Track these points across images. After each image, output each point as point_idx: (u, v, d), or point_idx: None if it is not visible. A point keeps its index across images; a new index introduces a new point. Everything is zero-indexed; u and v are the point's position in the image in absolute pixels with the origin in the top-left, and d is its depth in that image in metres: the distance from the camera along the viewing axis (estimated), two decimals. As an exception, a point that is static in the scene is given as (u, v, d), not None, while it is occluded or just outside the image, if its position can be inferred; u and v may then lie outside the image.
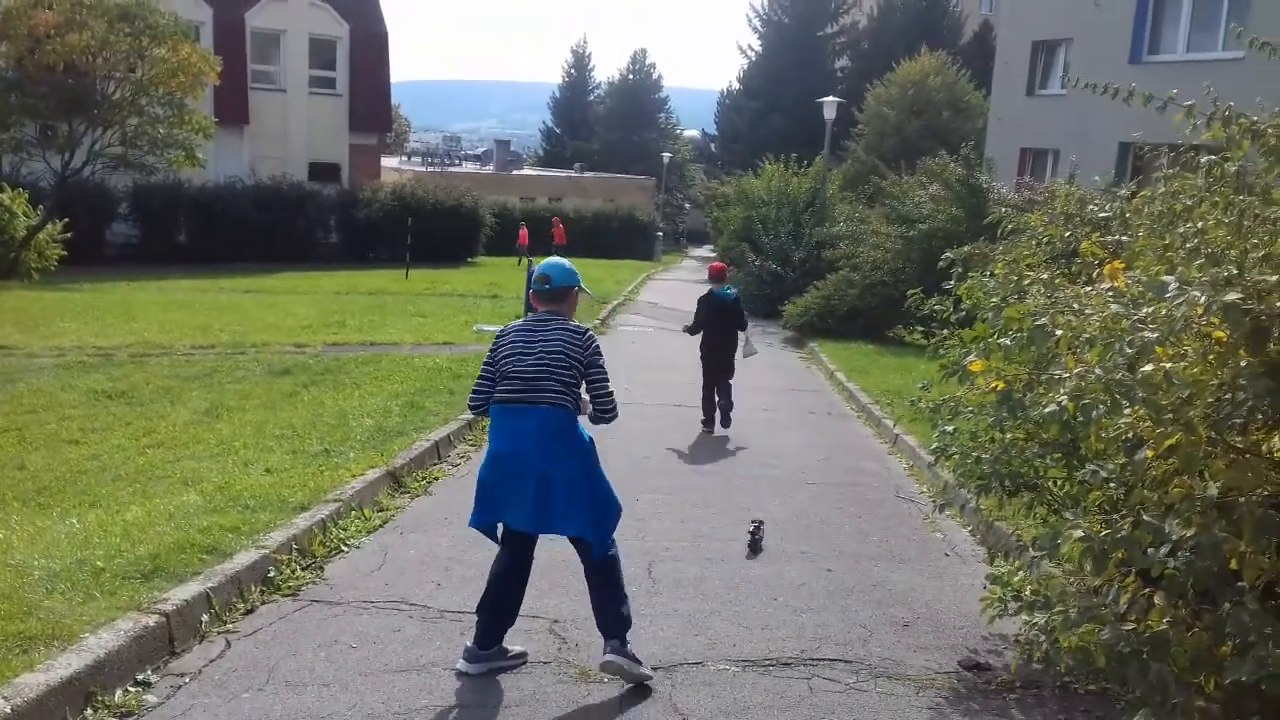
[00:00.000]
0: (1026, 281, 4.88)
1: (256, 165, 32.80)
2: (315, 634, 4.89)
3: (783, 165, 28.17)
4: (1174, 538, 3.36)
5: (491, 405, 4.66)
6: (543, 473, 4.49)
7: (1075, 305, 3.98)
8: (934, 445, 5.62)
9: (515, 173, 56.27)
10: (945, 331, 5.71)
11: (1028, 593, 4.74)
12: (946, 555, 6.79)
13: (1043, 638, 4.27)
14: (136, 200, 29.84)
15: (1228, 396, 3.39)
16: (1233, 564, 3.29)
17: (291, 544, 5.79)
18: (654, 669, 4.67)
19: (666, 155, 59.52)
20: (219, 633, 4.83)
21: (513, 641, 4.73)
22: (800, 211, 26.08)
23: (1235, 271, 3.44)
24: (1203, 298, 3.28)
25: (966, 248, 6.97)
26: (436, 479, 7.94)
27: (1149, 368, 3.33)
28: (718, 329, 10.88)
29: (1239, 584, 3.32)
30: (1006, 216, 6.86)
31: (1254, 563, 3.25)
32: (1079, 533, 3.54)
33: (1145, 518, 3.51)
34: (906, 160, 24.96)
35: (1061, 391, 3.65)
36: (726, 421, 10.68)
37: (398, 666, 4.59)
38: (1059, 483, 5.17)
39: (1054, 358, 4.08)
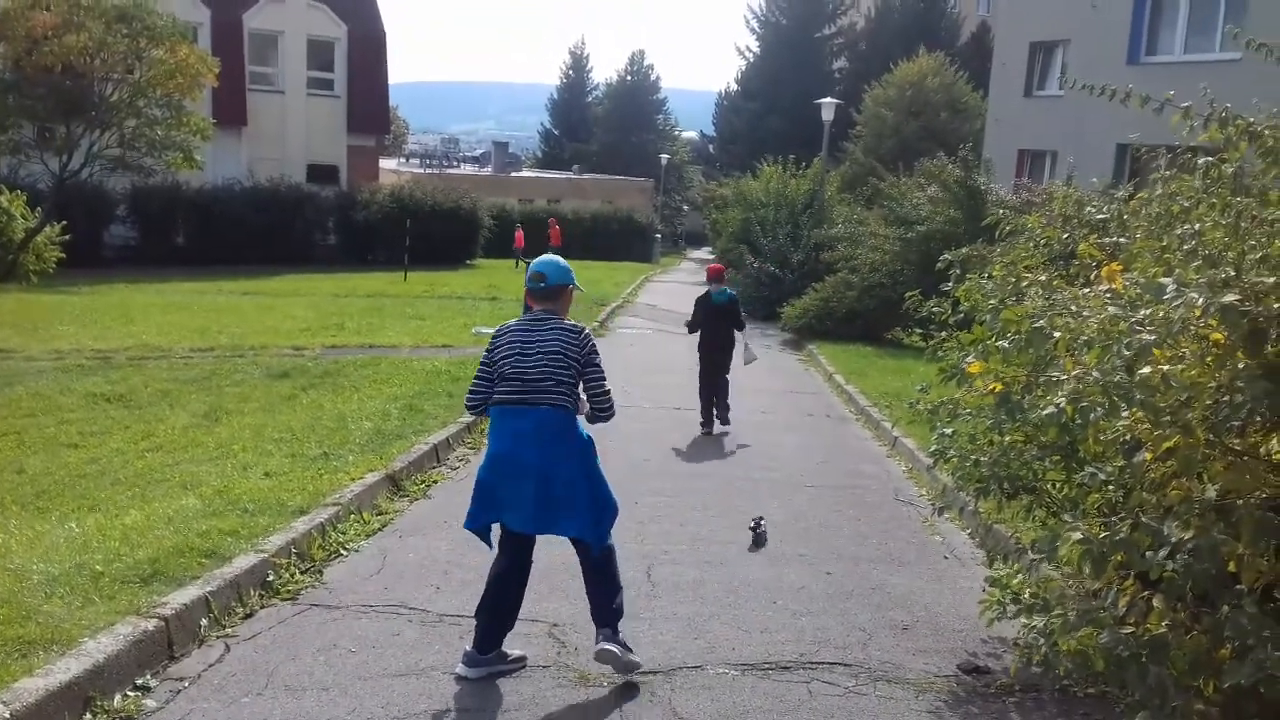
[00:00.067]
0: (1024, 283, 4.87)
1: (254, 167, 32.80)
2: (314, 638, 4.89)
3: (781, 167, 28.20)
4: (1173, 540, 3.36)
5: (491, 406, 4.66)
6: (543, 473, 4.51)
7: (1073, 307, 3.98)
8: (933, 448, 5.62)
9: (513, 175, 56.25)
10: (943, 333, 5.71)
11: (1027, 596, 4.74)
12: (945, 558, 6.79)
13: (1042, 641, 4.28)
14: (134, 202, 29.83)
15: (1226, 398, 3.39)
16: (1231, 566, 3.29)
17: (290, 548, 5.79)
18: (653, 672, 4.68)
19: (664, 157, 59.52)
20: (218, 637, 4.82)
21: (512, 645, 4.73)
22: (798, 213, 26.10)
23: (1233, 273, 3.44)
24: (1200, 299, 3.28)
25: (964, 249, 6.98)
26: (435, 482, 7.93)
27: (1147, 370, 3.33)
28: (715, 329, 10.96)
29: (1238, 587, 3.32)
30: (1004, 218, 6.86)
31: (1252, 565, 3.25)
32: (1077, 535, 3.54)
33: (1144, 520, 3.51)
34: (904, 162, 25.00)
35: (1060, 394, 3.65)
36: (724, 420, 10.76)
37: (397, 671, 4.59)
38: (1058, 485, 5.18)
39: (1052, 360, 4.08)
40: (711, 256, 37.45)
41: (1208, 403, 3.41)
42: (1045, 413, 3.73)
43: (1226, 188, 4.01)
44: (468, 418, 9.52)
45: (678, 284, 32.43)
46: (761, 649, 5.04)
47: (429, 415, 9.65)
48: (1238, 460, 3.47)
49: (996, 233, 6.98)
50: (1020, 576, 5.19)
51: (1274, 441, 3.55)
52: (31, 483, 7.45)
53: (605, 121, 67.72)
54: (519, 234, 36.28)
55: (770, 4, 55.40)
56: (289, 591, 5.43)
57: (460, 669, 4.55)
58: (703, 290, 11.37)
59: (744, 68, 57.49)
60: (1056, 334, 3.88)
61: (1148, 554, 3.38)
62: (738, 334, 11.09)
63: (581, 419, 4.76)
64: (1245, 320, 3.25)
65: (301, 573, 5.67)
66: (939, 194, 18.74)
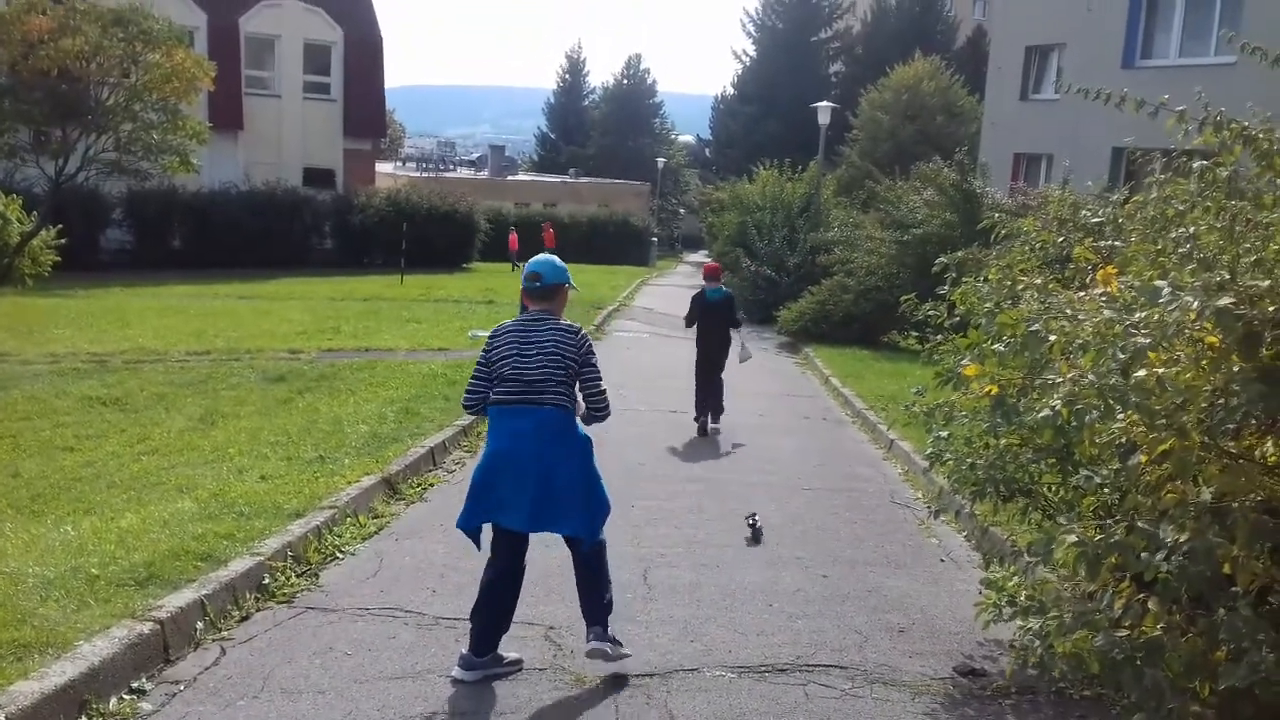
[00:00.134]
0: (1020, 287, 4.89)
1: (251, 171, 32.79)
2: (310, 641, 4.88)
3: (777, 170, 28.20)
4: (1168, 543, 3.37)
5: (490, 407, 4.68)
6: (543, 472, 4.54)
7: (1068, 310, 3.99)
8: (928, 450, 5.63)
9: (510, 178, 56.29)
10: (939, 337, 5.72)
11: (1022, 598, 4.75)
12: (941, 561, 6.80)
13: (1037, 643, 4.28)
14: (131, 206, 29.80)
15: (1221, 401, 3.40)
16: (1226, 569, 3.30)
17: (286, 551, 5.78)
18: (649, 675, 4.68)
19: (661, 160, 59.58)
20: (214, 640, 4.82)
21: (508, 648, 4.73)
22: (795, 217, 26.11)
23: (1228, 276, 3.45)
24: (1195, 303, 3.29)
25: (960, 253, 7.00)
26: (432, 485, 7.93)
27: (1142, 373, 3.34)
28: (711, 327, 11.13)
29: (1233, 589, 3.33)
30: (1000, 222, 6.88)
31: (1247, 567, 3.26)
32: (1073, 538, 3.55)
33: (1139, 523, 3.52)
34: (900, 165, 25.03)
35: (1055, 396, 3.66)
36: (716, 417, 10.97)
37: (393, 674, 4.59)
38: (1053, 488, 5.19)
39: (1047, 363, 4.09)
40: (708, 259, 37.45)
41: (1203, 406, 3.42)
42: (1041, 415, 3.74)
43: (1221, 191, 4.02)
44: (464, 421, 9.53)
45: (674, 287, 32.42)
46: (758, 652, 5.04)
47: (425, 418, 9.64)
48: (1233, 463, 3.48)
49: (992, 236, 6.99)
50: (1016, 579, 5.19)
51: (1269, 444, 3.56)
52: (27, 486, 7.44)
53: (602, 125, 67.79)
54: (513, 237, 36.32)
55: (766, 8, 55.50)
56: (285, 595, 5.42)
57: (456, 672, 4.55)
58: (698, 290, 11.50)
59: (740, 72, 57.60)
60: (1052, 337, 3.89)
61: (1143, 556, 3.39)
62: (734, 333, 11.21)
63: (577, 419, 4.77)
64: (1240, 323, 3.26)
65: (297, 576, 5.67)
66: (935, 197, 18.77)
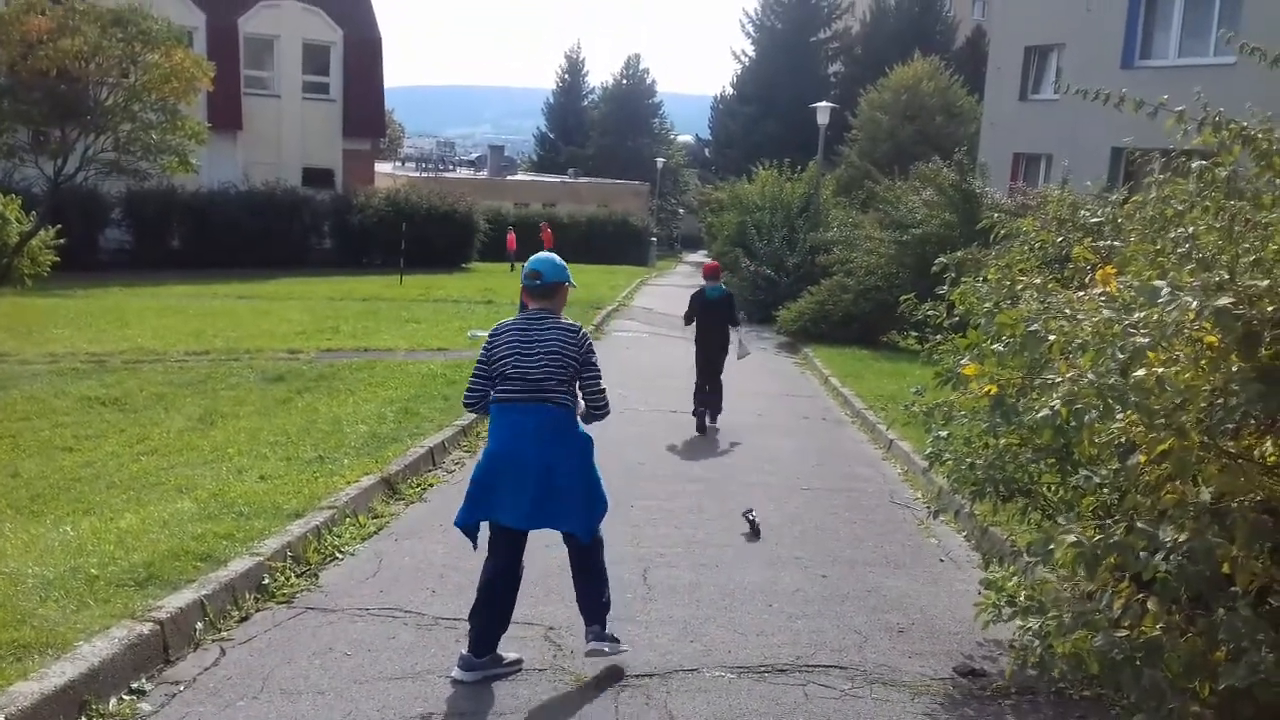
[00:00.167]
0: (1019, 287, 4.89)
1: (250, 171, 32.79)
2: (310, 642, 4.88)
3: (776, 170, 28.21)
4: (1167, 543, 3.37)
5: (493, 404, 4.69)
6: (544, 470, 4.56)
7: (1068, 310, 3.99)
8: (928, 450, 5.63)
9: (509, 178, 56.28)
10: (939, 337, 5.72)
11: (1022, 598, 4.75)
12: (941, 561, 6.80)
13: (1037, 643, 4.28)
14: (129, 206, 29.79)
15: (1220, 401, 3.40)
16: (1225, 569, 3.30)
17: (286, 551, 5.78)
18: (649, 676, 4.69)
19: (660, 160, 59.57)
20: (213, 640, 4.82)
21: (508, 648, 4.74)
22: (794, 217, 26.12)
23: (1226, 276, 3.45)
24: (1194, 303, 3.29)
25: (959, 253, 7.00)
26: (431, 485, 7.93)
27: (1141, 373, 3.34)
28: (710, 325, 11.18)
29: (1232, 589, 3.33)
30: (999, 222, 6.88)
31: (1247, 568, 3.26)
32: (1071, 538, 3.54)
33: (1138, 523, 3.52)
34: (900, 165, 25.03)
35: (1054, 396, 3.66)
36: (715, 417, 11.05)
37: (393, 674, 4.59)
38: (1053, 488, 5.19)
39: (1047, 363, 4.09)
40: (707, 259, 37.46)
41: (1202, 405, 3.42)
42: (1040, 415, 3.74)
43: (1220, 191, 4.02)
44: (463, 421, 9.53)
45: (673, 287, 32.41)
46: (757, 652, 5.04)
47: (424, 418, 9.64)
48: (1232, 463, 3.48)
49: (991, 236, 6.99)
50: (1015, 579, 5.20)
51: (1268, 444, 3.56)
52: (26, 486, 7.44)
53: (601, 125, 67.79)
54: (511, 237, 36.37)
55: (766, 9, 55.50)
56: (284, 595, 5.42)
57: (456, 672, 4.55)
58: (698, 289, 11.56)
59: (739, 72, 57.60)
60: (1051, 337, 3.89)
61: (1142, 556, 3.39)
62: (733, 332, 11.25)
63: (578, 418, 4.79)
64: (1239, 323, 3.26)
65: (297, 576, 5.67)
66: (934, 198, 18.77)
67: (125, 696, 4.20)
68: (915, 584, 6.25)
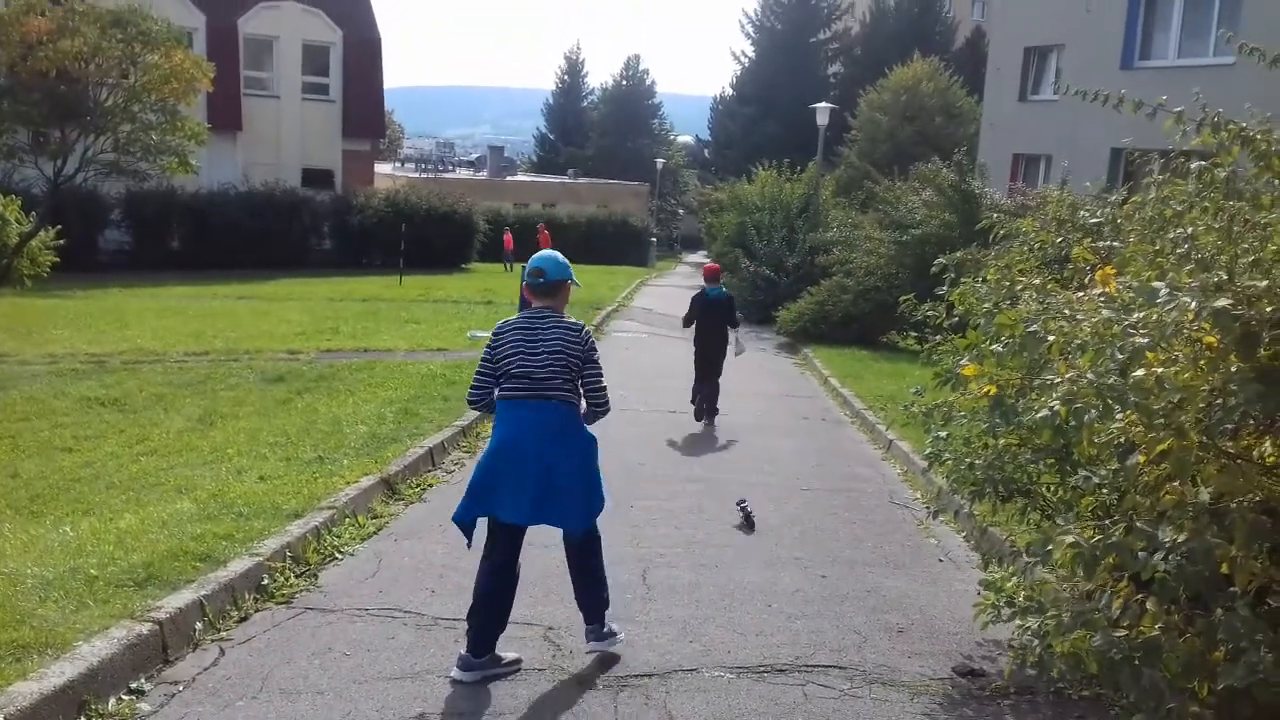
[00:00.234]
0: (1019, 287, 4.89)
1: (250, 171, 32.80)
2: (309, 642, 4.88)
3: (776, 171, 28.21)
4: (1166, 543, 3.37)
5: (499, 401, 4.73)
6: (547, 466, 4.60)
7: (1067, 311, 4.00)
8: (927, 451, 5.63)
9: (509, 179, 56.31)
10: (938, 337, 5.72)
11: (1021, 598, 4.76)
12: (940, 561, 6.80)
13: (1036, 643, 4.28)
14: (129, 207, 29.81)
15: (1219, 401, 3.40)
16: (1224, 569, 3.30)
17: (285, 551, 5.78)
18: (648, 676, 4.69)
19: (660, 161, 59.59)
20: (213, 641, 4.81)
21: (507, 648, 4.74)
22: (794, 217, 26.12)
23: (1225, 277, 3.45)
24: (1193, 303, 3.30)
25: (959, 254, 7.00)
26: (431, 486, 7.92)
27: (1140, 373, 3.35)
28: (710, 326, 11.35)
29: (1231, 589, 3.33)
30: (999, 222, 6.88)
31: (1245, 568, 3.26)
32: (1070, 539, 3.55)
33: (1137, 523, 3.52)
34: (899, 166, 25.03)
35: (1054, 396, 3.66)
36: (711, 419, 11.15)
37: (392, 674, 4.59)
38: (1052, 488, 5.19)
39: (1046, 363, 4.10)
40: (707, 260, 37.49)
41: (1201, 406, 3.42)
42: (1039, 416, 3.74)
43: (1219, 192, 4.02)
44: (463, 421, 9.53)
45: (673, 288, 32.44)
46: (757, 652, 5.04)
47: (424, 419, 9.64)
48: (1231, 463, 3.48)
49: (991, 237, 7.00)
50: (1015, 579, 5.20)
51: (1267, 444, 3.56)
52: (26, 487, 7.44)
53: (601, 126, 67.82)
54: (508, 237, 36.44)
55: (765, 9, 55.51)
56: (284, 595, 5.42)
57: (455, 673, 4.55)
58: (698, 290, 11.71)
59: (739, 72, 57.61)
60: (1050, 337, 3.89)
61: (1141, 556, 3.39)
62: (731, 332, 11.37)
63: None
64: (1237, 324, 3.27)
65: (296, 576, 5.67)
66: (934, 198, 18.78)
67: (124, 696, 4.20)
68: (914, 584, 6.25)
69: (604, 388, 4.89)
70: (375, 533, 6.64)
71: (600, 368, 4.86)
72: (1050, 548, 3.69)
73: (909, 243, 18.34)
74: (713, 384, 11.22)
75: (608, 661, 4.81)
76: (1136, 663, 3.49)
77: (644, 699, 4.48)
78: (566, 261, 4.96)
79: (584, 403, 4.85)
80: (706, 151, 65.22)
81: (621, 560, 6.01)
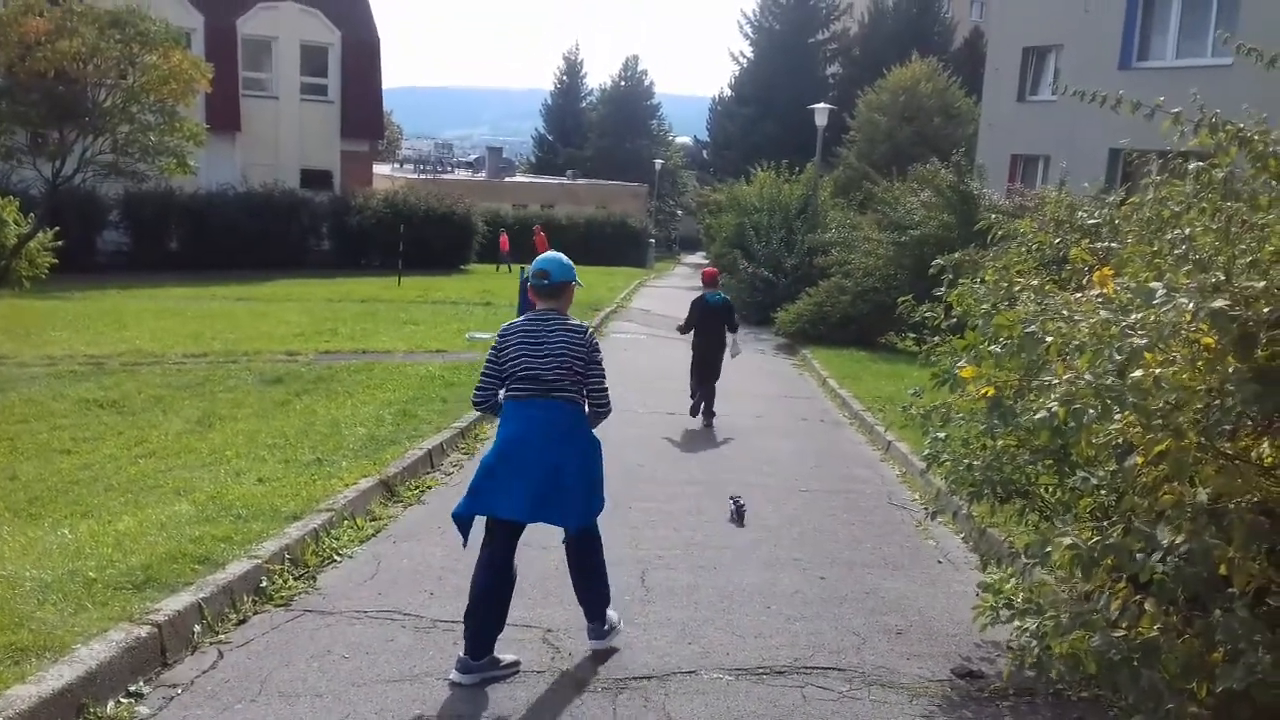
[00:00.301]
0: (1017, 288, 4.89)
1: (248, 172, 32.79)
2: (308, 644, 4.88)
3: (774, 172, 28.22)
4: (1164, 544, 3.37)
5: (506, 400, 4.77)
6: (551, 465, 4.63)
7: (1065, 312, 4.00)
8: (926, 452, 5.63)
9: (508, 180, 56.29)
10: (936, 338, 5.72)
11: (1020, 600, 4.76)
12: (939, 562, 6.80)
13: (1035, 644, 4.28)
14: (128, 208, 29.78)
15: (1217, 402, 3.40)
16: (1223, 570, 3.30)
17: (284, 554, 5.78)
18: (647, 678, 4.69)
19: (659, 162, 59.56)
20: (211, 643, 4.81)
21: (506, 650, 4.74)
22: (792, 218, 26.12)
23: (1223, 278, 3.45)
24: (1191, 304, 3.30)
25: (957, 254, 7.00)
26: (430, 488, 7.92)
27: (1138, 373, 3.35)
28: (709, 330, 11.49)
29: (1229, 590, 3.33)
30: (997, 223, 6.88)
31: (1244, 569, 3.26)
32: (1068, 540, 3.55)
33: (1136, 524, 3.53)
34: (898, 166, 25.05)
35: (1052, 397, 3.66)
36: (709, 421, 11.20)
37: (391, 677, 4.59)
38: (1050, 489, 5.19)
39: (1044, 364, 4.10)
40: (706, 261, 37.44)
41: (1199, 406, 3.42)
42: (1038, 417, 3.74)
43: (1217, 193, 4.02)
44: (462, 423, 9.53)
45: (672, 289, 32.45)
46: (756, 654, 5.04)
47: (423, 420, 9.63)
48: (1229, 464, 3.48)
49: (989, 237, 6.99)
50: (1013, 580, 5.21)
51: (1265, 445, 3.56)
52: (24, 489, 7.44)
53: (599, 127, 67.81)
54: (504, 239, 36.48)
55: (764, 10, 55.53)
56: (282, 597, 5.42)
57: (454, 675, 4.55)
58: (697, 294, 11.82)
59: (738, 73, 57.61)
60: (1048, 338, 3.89)
61: (1139, 557, 3.39)
62: (729, 335, 11.50)
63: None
64: (1235, 324, 3.27)
65: (295, 579, 5.66)
66: (932, 199, 18.78)
67: (123, 699, 4.20)
68: (913, 585, 6.25)
69: (606, 390, 4.92)
70: (374, 535, 6.63)
71: (603, 370, 4.89)
72: (1049, 549, 3.69)
73: (907, 243, 18.35)
74: (710, 386, 11.31)
75: (607, 663, 4.81)
76: (1135, 664, 3.49)
77: (643, 701, 4.48)
78: (570, 263, 4.98)
79: (586, 404, 4.87)
80: (705, 152, 65.23)
81: (620, 562, 6.00)
